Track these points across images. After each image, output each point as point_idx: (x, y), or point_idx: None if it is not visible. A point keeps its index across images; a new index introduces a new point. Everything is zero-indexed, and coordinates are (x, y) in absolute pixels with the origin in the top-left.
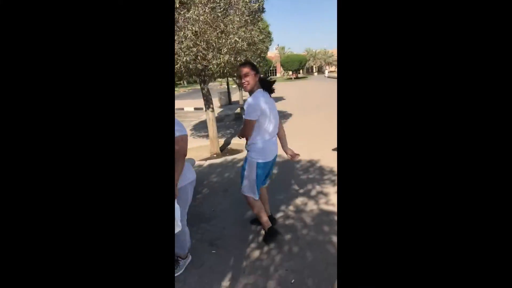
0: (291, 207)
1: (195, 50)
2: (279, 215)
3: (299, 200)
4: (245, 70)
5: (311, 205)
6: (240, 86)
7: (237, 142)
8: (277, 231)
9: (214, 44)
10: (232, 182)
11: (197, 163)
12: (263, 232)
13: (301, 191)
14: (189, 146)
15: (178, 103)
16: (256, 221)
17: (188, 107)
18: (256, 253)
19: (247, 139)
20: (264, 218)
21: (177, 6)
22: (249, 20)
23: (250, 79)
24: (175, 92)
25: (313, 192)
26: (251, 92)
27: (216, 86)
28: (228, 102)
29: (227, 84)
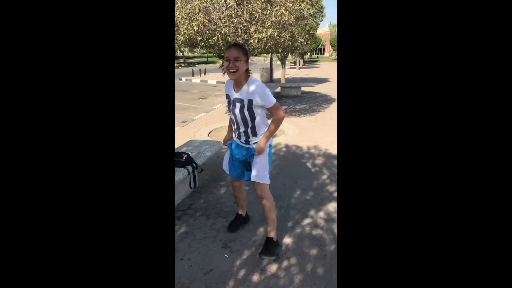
0: (321, 213)
1: (236, 21)
2: (306, 221)
3: (331, 206)
4: (236, 53)
5: None
6: (225, 71)
7: None
8: (280, 247)
9: (258, 16)
10: None
11: None
12: (268, 235)
13: (336, 194)
14: (220, 124)
15: (219, 76)
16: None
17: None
18: (273, 268)
19: (256, 131)
20: (275, 221)
21: None
22: None
23: (240, 66)
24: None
25: None
26: (237, 82)
27: (261, 61)
28: (269, 80)
29: (271, 61)
